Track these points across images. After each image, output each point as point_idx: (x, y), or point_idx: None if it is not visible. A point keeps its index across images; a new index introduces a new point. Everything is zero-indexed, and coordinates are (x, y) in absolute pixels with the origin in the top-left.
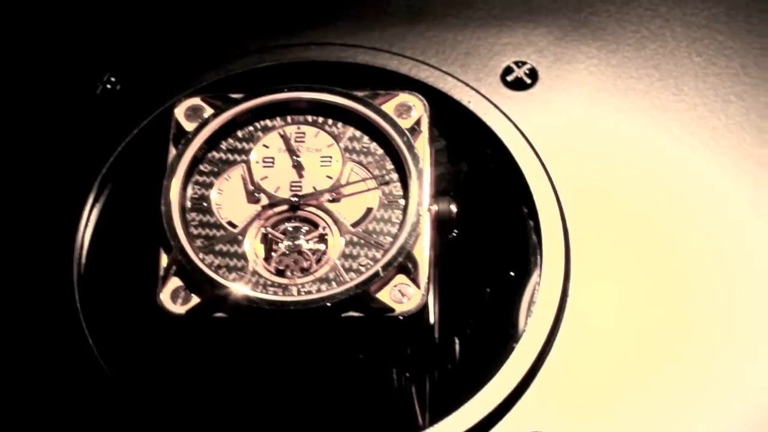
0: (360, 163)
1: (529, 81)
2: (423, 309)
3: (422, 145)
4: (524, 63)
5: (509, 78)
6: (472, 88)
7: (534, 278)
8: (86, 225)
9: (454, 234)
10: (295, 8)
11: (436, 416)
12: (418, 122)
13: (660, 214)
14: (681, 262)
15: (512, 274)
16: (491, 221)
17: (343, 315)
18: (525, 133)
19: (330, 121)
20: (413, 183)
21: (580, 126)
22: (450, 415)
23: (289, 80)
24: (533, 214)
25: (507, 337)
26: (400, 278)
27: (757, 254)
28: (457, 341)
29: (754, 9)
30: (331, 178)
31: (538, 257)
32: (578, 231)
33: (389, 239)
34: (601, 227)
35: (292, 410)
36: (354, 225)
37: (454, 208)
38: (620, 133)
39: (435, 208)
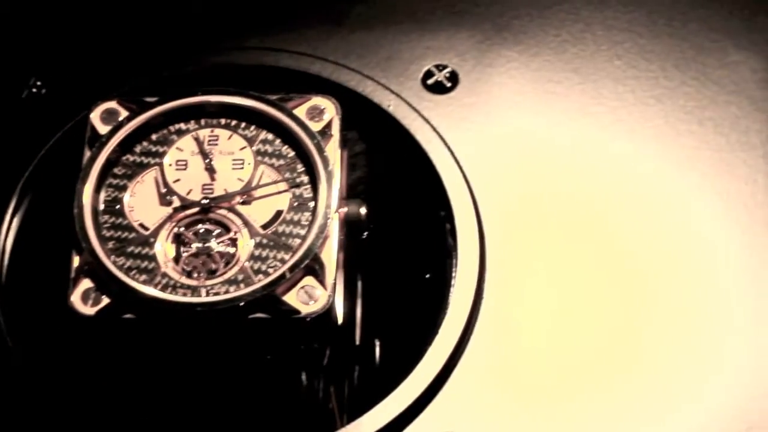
0: (272, 165)
1: (449, 84)
2: (329, 310)
3: (333, 148)
4: (445, 66)
5: (429, 81)
6: (393, 91)
7: (450, 280)
8: (8, 230)
9: (365, 236)
10: (219, 12)
11: (350, 417)
12: (329, 125)
13: (578, 216)
14: (598, 264)
15: (428, 276)
16: (409, 224)
17: (250, 317)
18: (444, 137)
19: (243, 124)
20: (322, 186)
21: (498, 129)
22: (362, 416)
23: (211, 84)
24: (450, 216)
25: (423, 338)
26: (308, 280)
27: (673, 253)
28: (373, 342)
29: (676, 12)
30: (242, 180)
31: (455, 259)
32: (494, 234)
33: (298, 241)
34: (518, 230)
35: (202, 411)
36: (264, 227)
37: (363, 210)
38: (539, 137)
39: (344, 210)
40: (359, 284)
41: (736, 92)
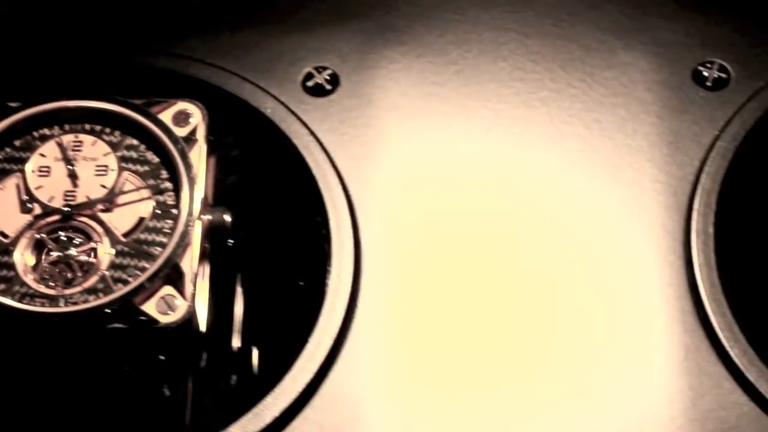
0: (136, 172)
1: (329, 87)
2: (190, 320)
3: (198, 154)
4: (326, 68)
5: (309, 84)
6: (272, 94)
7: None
8: None
9: (231, 243)
10: (94, 12)
11: (223, 424)
12: (195, 130)
13: (459, 219)
14: (475, 269)
15: (301, 283)
16: (288, 230)
17: (108, 326)
18: (321, 140)
19: (108, 130)
20: (184, 193)
21: (378, 132)
22: (229, 426)
23: (83, 86)
24: (326, 222)
25: (294, 346)
26: (167, 289)
27: (557, 255)
28: (250, 349)
29: (564, 12)
30: (105, 187)
31: (329, 266)
32: (371, 239)
33: (160, 250)
34: (396, 235)
35: (67, 421)
36: (125, 235)
37: (227, 218)
38: (420, 140)
39: (207, 218)
40: (238, 290)
41: (624, 94)
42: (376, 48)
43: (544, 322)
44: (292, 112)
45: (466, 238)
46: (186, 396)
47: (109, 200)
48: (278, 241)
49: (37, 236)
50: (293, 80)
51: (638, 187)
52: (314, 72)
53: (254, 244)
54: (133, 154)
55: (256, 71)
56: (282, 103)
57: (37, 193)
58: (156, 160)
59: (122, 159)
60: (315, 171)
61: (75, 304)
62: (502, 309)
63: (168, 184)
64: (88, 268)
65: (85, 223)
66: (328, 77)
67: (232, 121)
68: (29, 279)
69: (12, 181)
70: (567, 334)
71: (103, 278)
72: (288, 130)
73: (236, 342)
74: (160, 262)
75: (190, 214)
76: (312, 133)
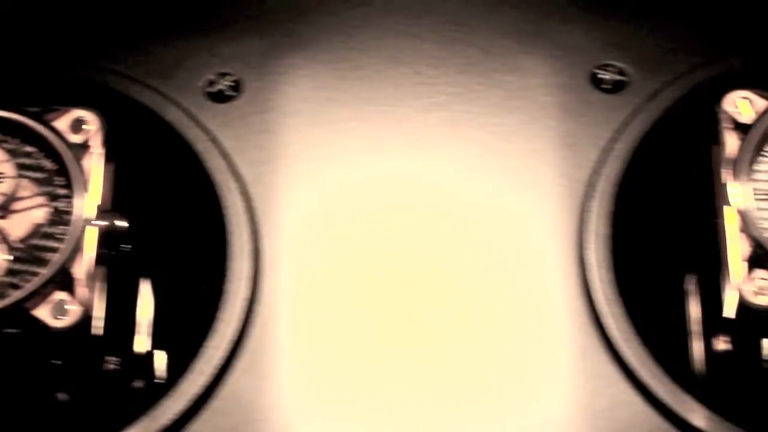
0: (31, 178)
1: (233, 93)
2: (84, 324)
3: (93, 160)
4: (229, 74)
5: (211, 90)
6: (174, 100)
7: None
8: None
9: (125, 249)
10: None
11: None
12: (91, 137)
13: (359, 224)
14: (376, 272)
15: (203, 288)
16: (187, 235)
17: (1, 332)
18: (223, 146)
19: (7, 138)
20: (78, 199)
21: (280, 138)
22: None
23: None
24: (225, 227)
25: (197, 350)
26: (60, 294)
27: (456, 259)
28: (148, 354)
29: (465, 17)
30: (1, 194)
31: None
32: (272, 245)
33: (54, 255)
34: (297, 240)
35: None
36: (21, 241)
37: (122, 223)
38: (322, 146)
39: (101, 223)
40: (142, 294)
41: (522, 97)
42: (279, 54)
43: (441, 325)
44: (194, 118)
45: (366, 241)
46: (85, 399)
47: (5, 207)
48: (181, 246)
49: None
50: (195, 86)
51: (537, 189)
52: (217, 78)
53: (157, 249)
54: (29, 161)
55: (159, 77)
56: (184, 109)
57: None
58: (52, 166)
59: (18, 166)
60: (216, 176)
61: None
62: (401, 312)
63: (63, 191)
64: None
65: None
66: (231, 84)
67: (133, 127)
68: None
69: None
70: (463, 335)
71: None
72: (189, 136)
73: (139, 345)
74: (52, 267)
75: (82, 219)
76: (213, 138)
